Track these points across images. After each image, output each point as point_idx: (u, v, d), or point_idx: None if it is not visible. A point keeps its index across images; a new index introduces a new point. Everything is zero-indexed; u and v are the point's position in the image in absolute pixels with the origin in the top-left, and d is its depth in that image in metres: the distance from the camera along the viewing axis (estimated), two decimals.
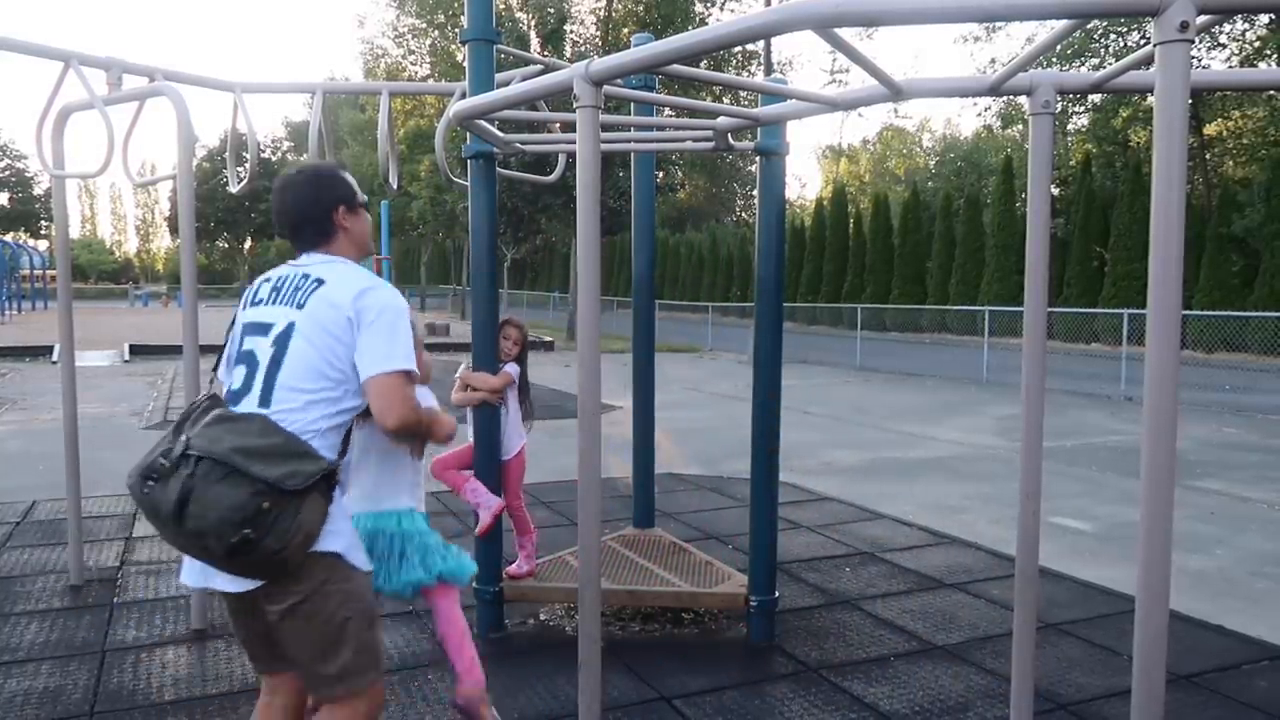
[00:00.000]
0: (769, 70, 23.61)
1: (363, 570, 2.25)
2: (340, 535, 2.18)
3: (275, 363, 2.18)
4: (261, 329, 2.24)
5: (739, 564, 4.71)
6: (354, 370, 2.18)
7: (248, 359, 2.23)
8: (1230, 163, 29.16)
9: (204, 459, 1.98)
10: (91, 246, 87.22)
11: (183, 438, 2.05)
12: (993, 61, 32.67)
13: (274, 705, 2.38)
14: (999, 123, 34.17)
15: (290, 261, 2.39)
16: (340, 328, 2.17)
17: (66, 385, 4.82)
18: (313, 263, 2.31)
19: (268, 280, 2.34)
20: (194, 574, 2.20)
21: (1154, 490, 1.91)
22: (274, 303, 2.27)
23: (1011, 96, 3.46)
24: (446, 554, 2.84)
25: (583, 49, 29.68)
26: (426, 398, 2.65)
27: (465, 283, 38.47)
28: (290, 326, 2.19)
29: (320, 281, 2.23)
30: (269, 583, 2.09)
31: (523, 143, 4.12)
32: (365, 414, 2.27)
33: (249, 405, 2.16)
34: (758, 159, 4.06)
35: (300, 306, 2.21)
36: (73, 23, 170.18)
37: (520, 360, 4.27)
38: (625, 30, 28.93)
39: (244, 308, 2.34)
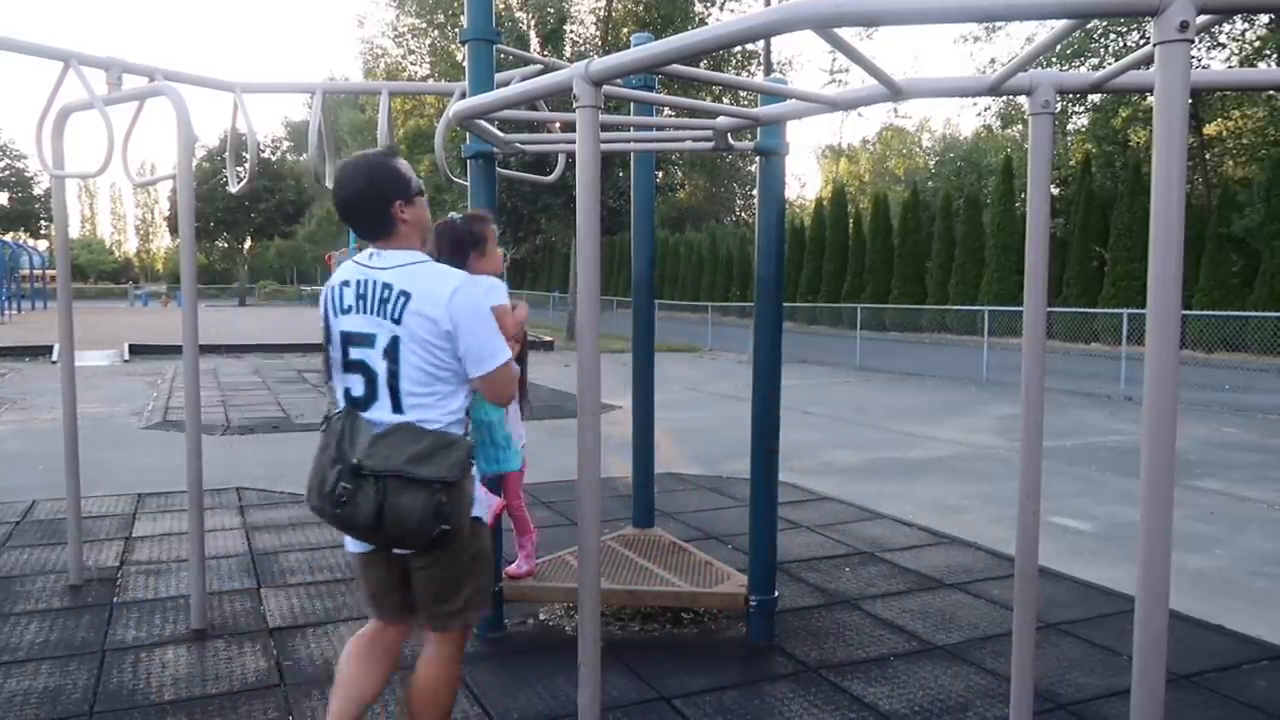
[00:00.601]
0: (769, 70, 23.62)
1: (486, 524, 2.60)
2: (479, 501, 2.53)
3: (394, 375, 2.38)
4: (365, 340, 2.41)
5: (739, 564, 4.71)
6: (456, 360, 2.41)
7: (362, 369, 2.42)
8: (1230, 162, 29.15)
9: (383, 476, 2.28)
10: (91, 246, 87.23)
11: (353, 460, 2.30)
12: (992, 61, 32.66)
13: (377, 641, 2.66)
14: (999, 123, 34.18)
15: (359, 259, 2.48)
16: (441, 338, 2.37)
17: (66, 385, 4.82)
18: (388, 265, 2.42)
19: (347, 284, 2.45)
20: (357, 543, 2.52)
21: (1154, 490, 1.91)
22: (363, 311, 2.41)
23: (1011, 96, 3.46)
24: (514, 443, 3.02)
25: (582, 49, 29.68)
26: (496, 294, 2.85)
27: None
28: (395, 341, 2.37)
29: (406, 295, 2.36)
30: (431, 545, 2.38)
31: (522, 143, 4.12)
32: None
33: (380, 412, 2.40)
34: (757, 159, 4.06)
35: (397, 321, 2.36)
36: (72, 23, 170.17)
37: (520, 360, 4.26)
38: (625, 30, 28.94)
39: (334, 314, 2.48)
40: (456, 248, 3.00)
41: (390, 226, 2.43)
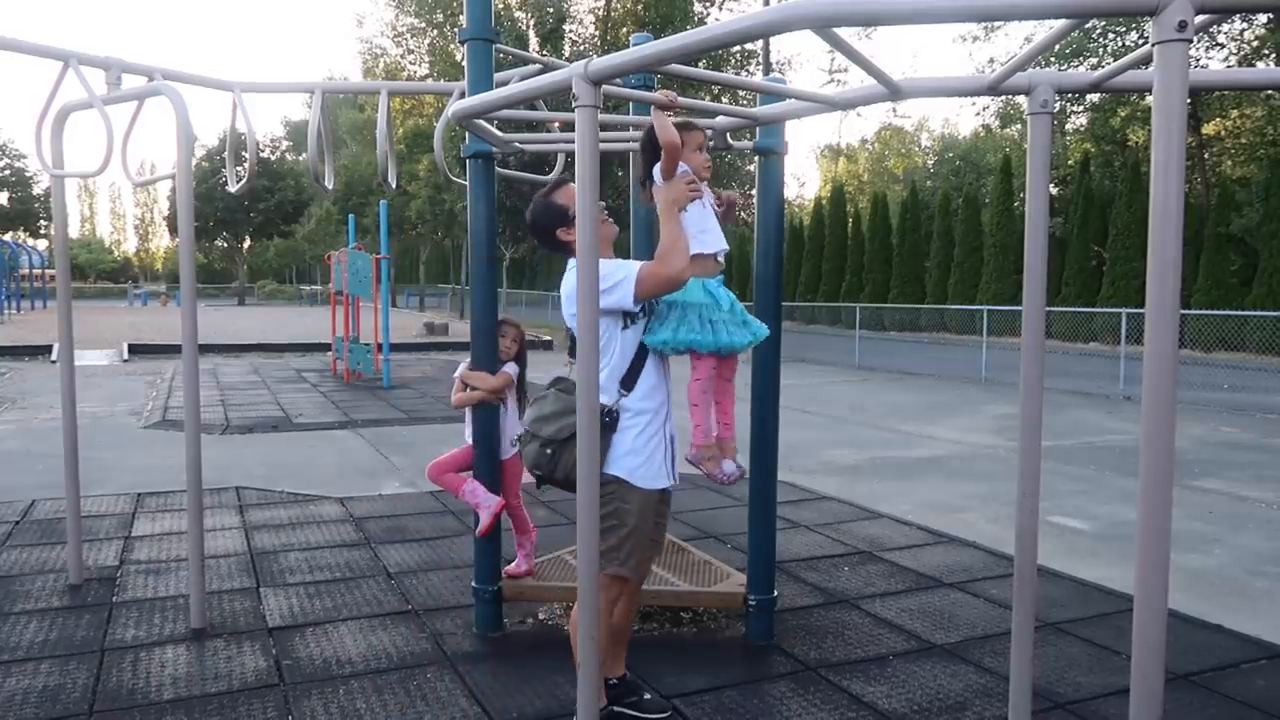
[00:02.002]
0: (768, 70, 23.61)
1: (643, 488, 3.02)
2: (619, 463, 3.00)
3: (569, 346, 3.00)
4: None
5: (738, 563, 4.71)
6: (608, 333, 2.92)
7: None
8: (1229, 162, 29.14)
9: (527, 430, 3.15)
10: (90, 246, 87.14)
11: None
12: (991, 61, 32.66)
13: None
14: (997, 122, 34.15)
15: None
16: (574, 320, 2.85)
17: (65, 384, 4.82)
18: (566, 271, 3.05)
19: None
20: None
21: (1152, 489, 1.92)
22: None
23: (1010, 96, 3.47)
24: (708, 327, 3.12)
25: (581, 48, 29.66)
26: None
27: (464, 282, 38.46)
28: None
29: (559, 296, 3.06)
30: None
31: (522, 142, 4.12)
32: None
33: None
34: (756, 158, 4.06)
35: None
36: (72, 22, 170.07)
37: (519, 360, 4.27)
38: (624, 29, 28.92)
39: None
40: (651, 152, 3.05)
41: (562, 248, 3.08)
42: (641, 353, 3.02)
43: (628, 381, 2.99)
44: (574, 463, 2.85)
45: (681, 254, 2.85)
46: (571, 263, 2.98)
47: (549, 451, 3.03)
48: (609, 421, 2.95)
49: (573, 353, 2.89)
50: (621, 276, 2.86)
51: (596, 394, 2.63)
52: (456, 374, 4.16)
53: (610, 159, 15.94)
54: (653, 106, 3.00)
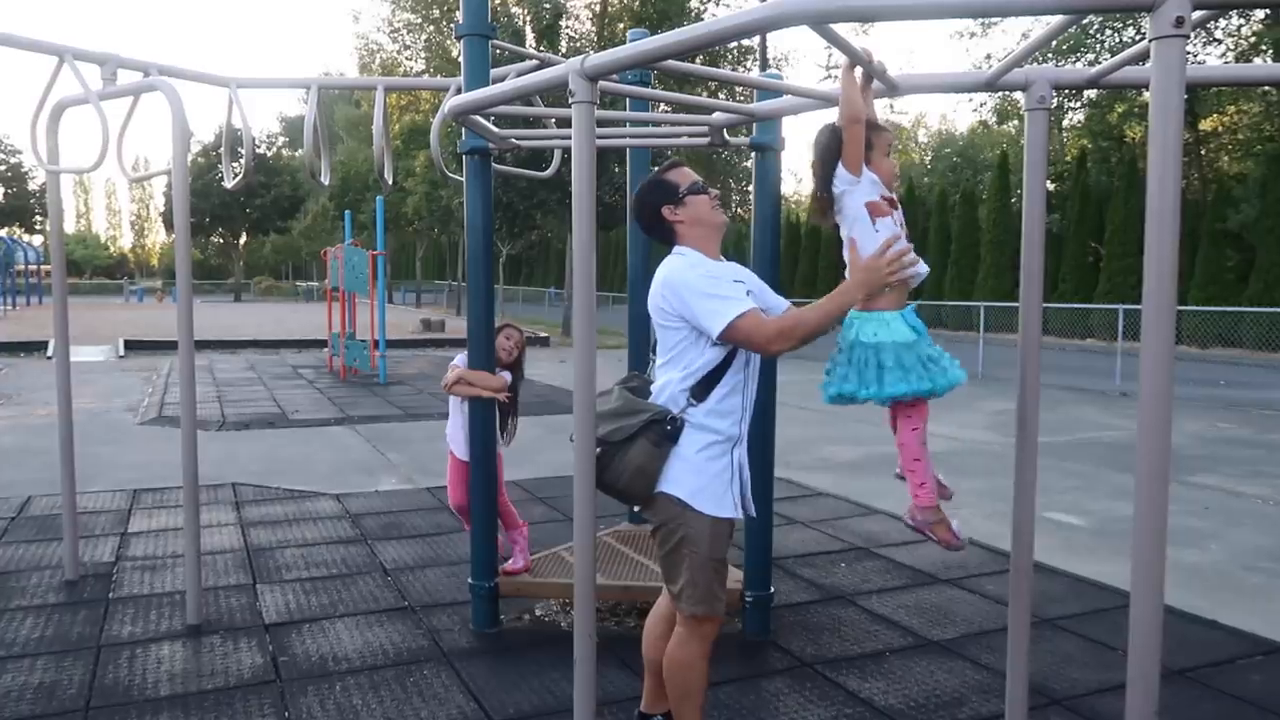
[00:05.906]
0: (765, 66, 23.57)
1: (709, 515, 2.64)
2: (681, 482, 2.64)
3: (654, 342, 2.80)
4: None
5: (734, 559, 4.70)
6: (688, 339, 2.63)
7: None
8: (1225, 158, 29.17)
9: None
10: (86, 242, 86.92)
11: None
12: (988, 57, 32.66)
13: (660, 607, 2.98)
14: (994, 118, 34.15)
15: None
16: (659, 313, 2.68)
17: (61, 380, 4.81)
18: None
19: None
20: None
21: (1149, 485, 1.92)
22: None
23: (1007, 92, 3.47)
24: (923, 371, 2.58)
25: (578, 44, 29.61)
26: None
27: (461, 278, 38.43)
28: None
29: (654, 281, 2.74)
30: (643, 509, 2.77)
31: (518, 138, 4.11)
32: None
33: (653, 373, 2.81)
34: (753, 154, 4.05)
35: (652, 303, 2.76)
36: (68, 18, 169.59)
37: (515, 368, 4.27)
38: (621, 25, 28.88)
39: None
40: (826, 154, 2.65)
41: (667, 229, 2.76)
42: (722, 366, 2.64)
43: (699, 392, 2.64)
44: (625, 469, 2.64)
45: (798, 338, 2.52)
46: (677, 250, 2.74)
47: (598, 451, 2.64)
48: (670, 431, 2.62)
49: (654, 350, 2.76)
50: (718, 307, 2.53)
51: (594, 385, 2.59)
52: (455, 361, 4.16)
53: (607, 155, 15.92)
54: (842, 69, 2.51)
